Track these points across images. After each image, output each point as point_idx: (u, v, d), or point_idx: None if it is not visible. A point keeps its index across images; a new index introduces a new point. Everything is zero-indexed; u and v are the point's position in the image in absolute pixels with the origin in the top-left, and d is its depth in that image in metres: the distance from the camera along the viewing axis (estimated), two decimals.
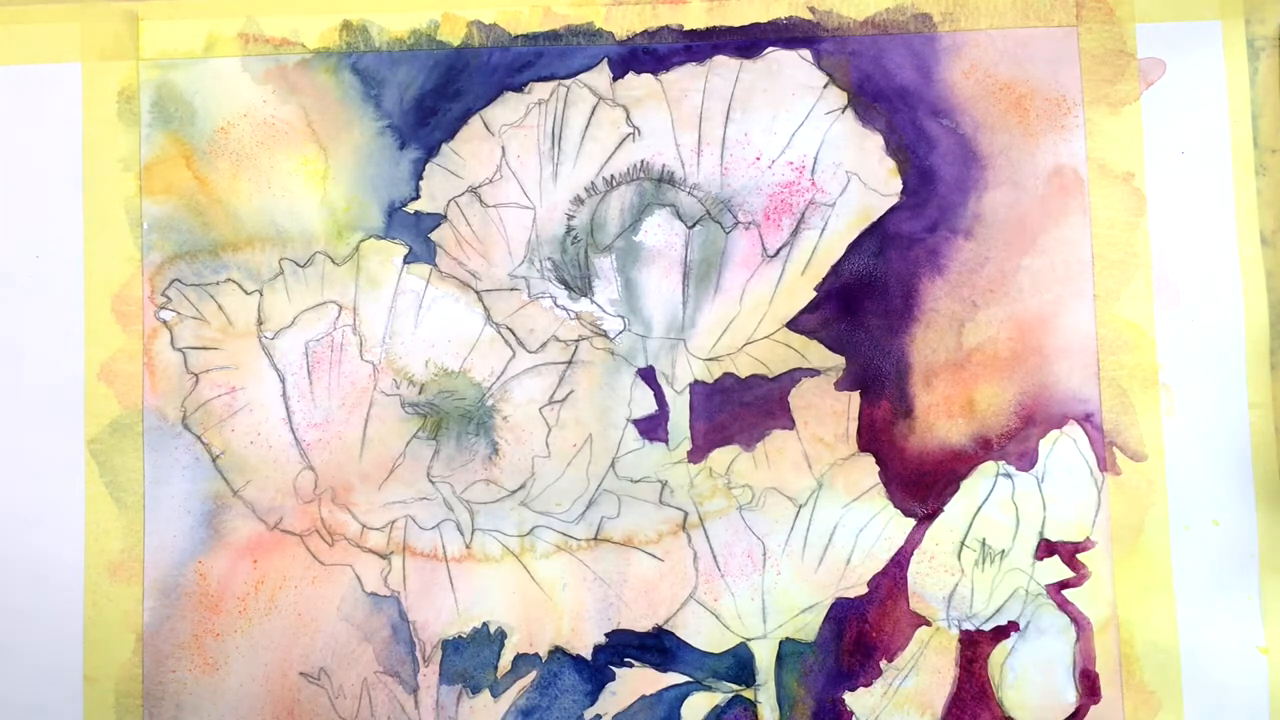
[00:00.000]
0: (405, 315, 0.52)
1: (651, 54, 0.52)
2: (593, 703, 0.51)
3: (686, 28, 0.52)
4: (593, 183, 0.52)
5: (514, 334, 0.52)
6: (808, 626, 0.51)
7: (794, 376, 0.51)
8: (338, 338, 0.52)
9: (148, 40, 0.53)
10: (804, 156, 0.52)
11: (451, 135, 0.52)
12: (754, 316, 0.52)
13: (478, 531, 0.51)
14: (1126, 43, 0.52)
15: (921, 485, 0.51)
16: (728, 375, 0.51)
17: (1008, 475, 0.51)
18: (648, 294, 0.52)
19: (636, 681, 0.51)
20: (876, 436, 0.51)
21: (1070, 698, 0.50)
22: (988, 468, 0.51)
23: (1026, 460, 0.51)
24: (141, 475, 0.51)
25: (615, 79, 0.52)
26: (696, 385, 0.51)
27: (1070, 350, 0.51)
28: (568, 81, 0.52)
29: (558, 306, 0.52)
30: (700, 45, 0.52)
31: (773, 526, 0.51)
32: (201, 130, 0.52)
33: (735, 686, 0.51)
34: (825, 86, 0.52)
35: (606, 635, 0.51)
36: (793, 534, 0.51)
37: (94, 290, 0.52)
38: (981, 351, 0.51)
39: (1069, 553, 0.51)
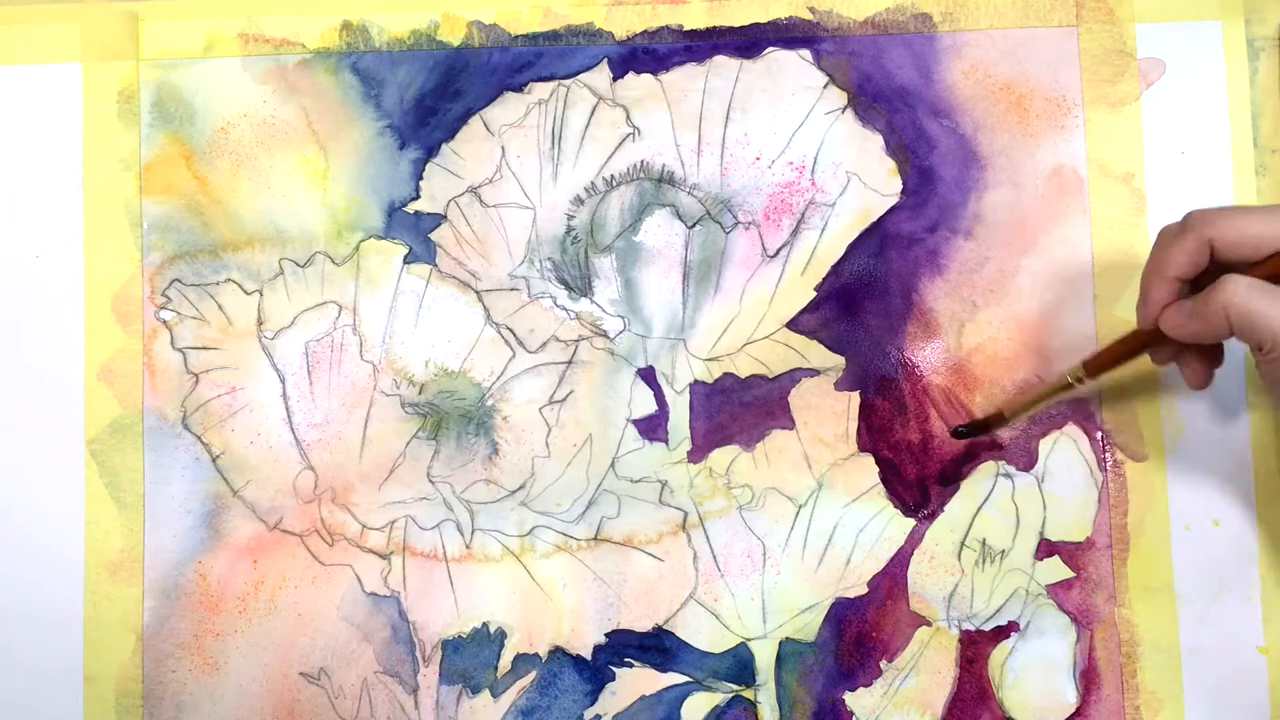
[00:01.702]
0: (405, 315, 0.52)
1: (651, 54, 0.52)
2: (593, 703, 0.51)
3: (686, 28, 0.52)
4: (593, 183, 0.52)
5: (514, 334, 0.52)
6: (808, 626, 0.51)
7: (794, 376, 0.51)
8: (338, 338, 0.52)
9: (148, 40, 0.53)
10: (804, 156, 0.52)
11: (451, 135, 0.52)
12: (754, 316, 0.52)
13: (478, 531, 0.51)
14: (1126, 43, 0.52)
15: (921, 485, 0.51)
16: (728, 375, 0.51)
17: (1008, 475, 0.51)
18: (648, 294, 0.52)
19: (636, 682, 0.51)
20: (876, 436, 0.51)
21: (1071, 698, 0.50)
22: (988, 468, 0.51)
23: (1027, 460, 0.51)
24: (141, 475, 0.51)
25: (615, 79, 0.52)
26: (696, 385, 0.51)
27: (1070, 350, 0.51)
28: (568, 81, 0.52)
29: (558, 306, 0.52)
30: (700, 45, 0.52)
31: (773, 526, 0.51)
32: (201, 130, 0.52)
33: (735, 687, 0.51)
34: (825, 86, 0.52)
35: (606, 635, 0.51)
36: (793, 534, 0.51)
37: (94, 290, 0.52)
38: (981, 351, 0.51)
39: (1069, 553, 0.51)
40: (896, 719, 0.50)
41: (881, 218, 0.52)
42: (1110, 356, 0.46)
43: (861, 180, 0.52)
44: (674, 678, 0.51)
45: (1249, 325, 0.40)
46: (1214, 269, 0.42)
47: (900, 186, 0.52)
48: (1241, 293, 0.40)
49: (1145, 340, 0.45)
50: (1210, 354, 0.45)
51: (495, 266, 0.52)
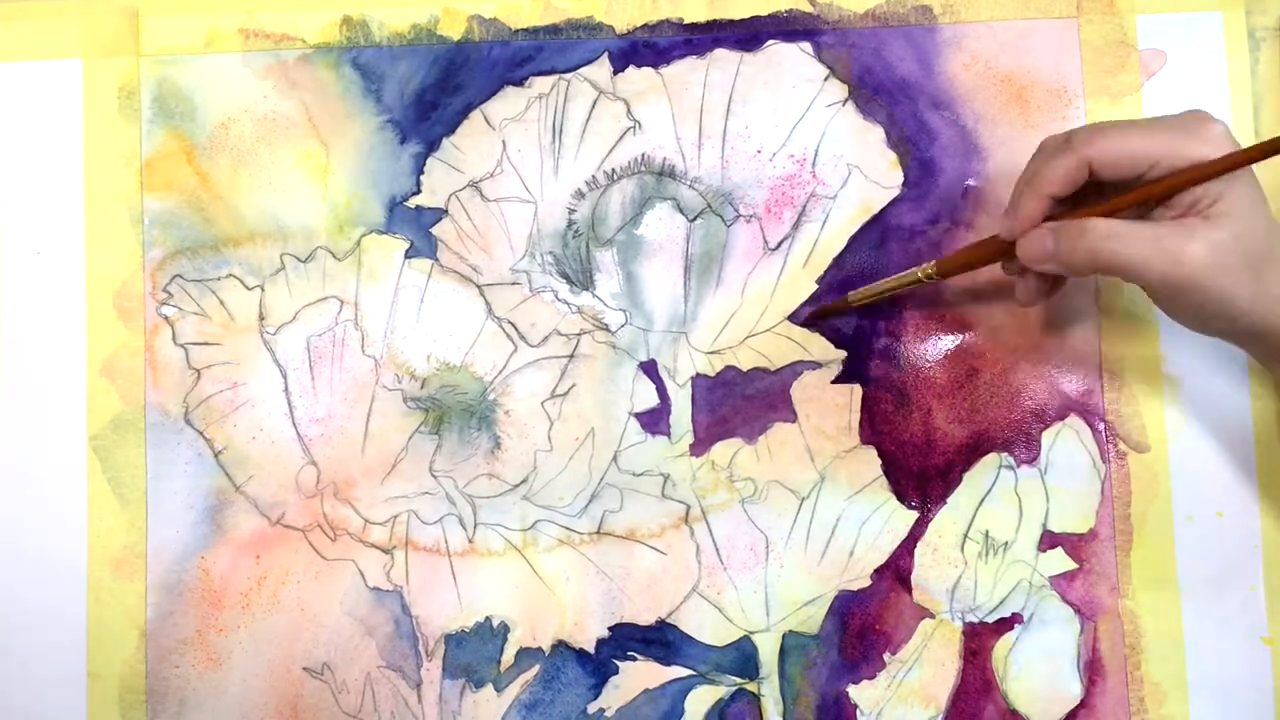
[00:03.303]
0: (407, 310, 0.52)
1: (652, 47, 0.52)
2: (596, 696, 0.50)
3: (687, 21, 0.52)
4: (594, 176, 0.52)
5: (516, 328, 0.52)
6: (811, 619, 0.51)
7: (796, 369, 0.51)
8: (339, 333, 0.52)
9: (148, 36, 0.53)
10: (805, 149, 0.52)
11: (452, 130, 0.52)
12: (755, 309, 0.52)
13: (480, 526, 0.51)
14: (1127, 34, 0.52)
15: (924, 478, 0.51)
16: (729, 368, 0.51)
17: (1010, 467, 0.51)
18: (649, 287, 0.52)
19: (640, 675, 0.51)
20: (878, 429, 0.51)
21: (1075, 689, 0.50)
22: (990, 460, 0.51)
23: (1029, 452, 0.51)
24: (144, 471, 0.51)
25: (616, 73, 0.52)
26: (698, 378, 0.51)
27: (1073, 341, 0.51)
28: (568, 75, 0.52)
29: (559, 300, 0.52)
30: (700, 38, 0.52)
31: (775, 519, 0.51)
32: (202, 126, 0.52)
33: (739, 680, 0.51)
34: (826, 79, 0.52)
35: (609, 629, 0.51)
36: (795, 527, 0.51)
37: (95, 286, 0.52)
38: (984, 343, 0.51)
39: (1072, 544, 0.51)
40: (900, 711, 0.50)
41: (883, 210, 0.52)
42: (964, 259, 0.47)
43: (862, 173, 0.52)
44: (677, 671, 0.51)
45: (1116, 269, 0.40)
46: (1090, 184, 0.42)
47: (901, 179, 0.52)
48: (1104, 240, 0.40)
49: (1002, 249, 0.45)
50: (1055, 281, 0.46)
51: (496, 261, 0.52)
